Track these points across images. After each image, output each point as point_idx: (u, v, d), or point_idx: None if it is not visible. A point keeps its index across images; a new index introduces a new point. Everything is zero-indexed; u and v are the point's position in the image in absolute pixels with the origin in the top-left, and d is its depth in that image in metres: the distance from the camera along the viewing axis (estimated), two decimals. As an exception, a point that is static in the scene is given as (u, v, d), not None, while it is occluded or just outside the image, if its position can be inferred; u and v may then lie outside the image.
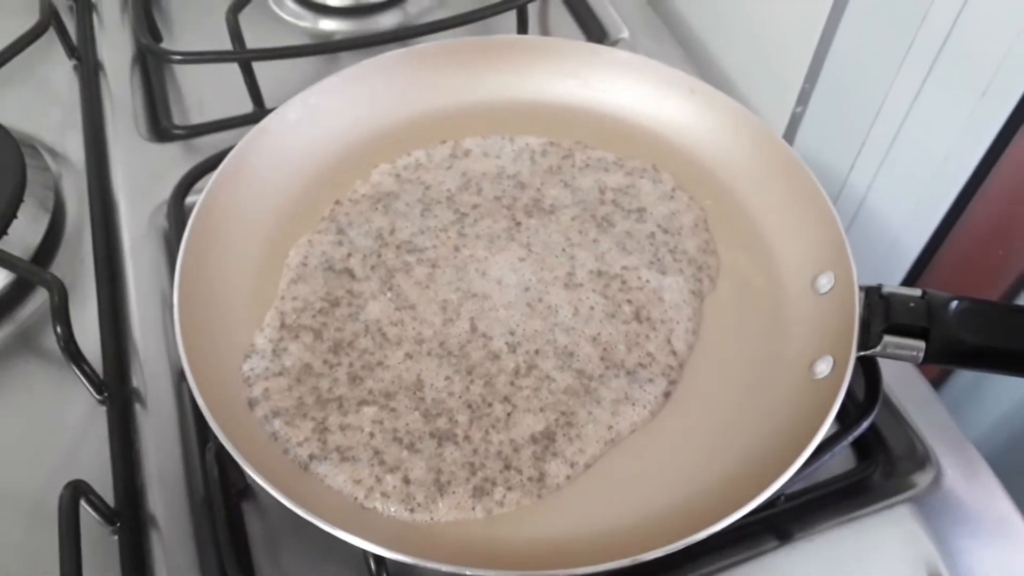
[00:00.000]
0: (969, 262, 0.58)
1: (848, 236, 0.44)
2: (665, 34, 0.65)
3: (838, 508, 0.44)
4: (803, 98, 0.57)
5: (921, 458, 0.45)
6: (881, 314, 0.40)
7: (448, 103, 0.53)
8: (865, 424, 0.42)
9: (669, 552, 0.34)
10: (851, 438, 0.42)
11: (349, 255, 0.46)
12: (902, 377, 0.48)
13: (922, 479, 0.44)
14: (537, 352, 0.42)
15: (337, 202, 0.48)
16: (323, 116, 0.50)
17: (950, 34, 0.47)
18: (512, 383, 0.41)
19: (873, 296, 0.41)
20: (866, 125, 0.54)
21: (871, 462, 0.46)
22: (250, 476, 0.35)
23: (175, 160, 0.57)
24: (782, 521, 0.43)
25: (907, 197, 0.56)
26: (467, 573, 0.33)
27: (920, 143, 0.52)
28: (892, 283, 0.42)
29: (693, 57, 0.65)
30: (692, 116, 0.52)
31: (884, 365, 0.44)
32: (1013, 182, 0.52)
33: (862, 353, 0.40)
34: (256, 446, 0.37)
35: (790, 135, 0.59)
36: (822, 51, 0.53)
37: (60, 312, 0.44)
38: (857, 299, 0.41)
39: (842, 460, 0.46)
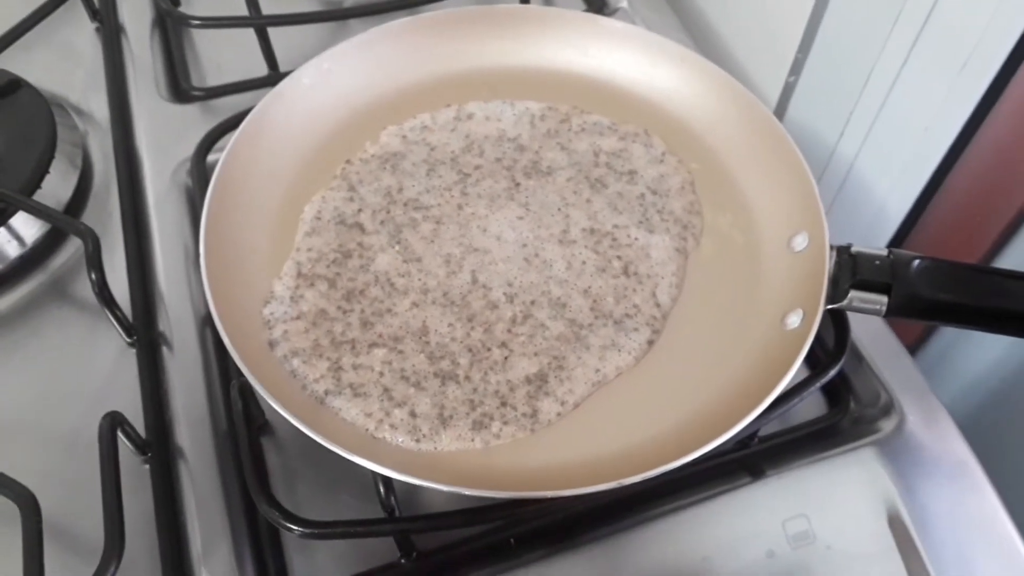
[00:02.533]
0: (950, 227, 0.62)
1: (836, 201, 0.47)
2: (663, 4, 0.68)
3: (808, 449, 0.48)
4: (796, 68, 0.59)
5: (886, 405, 0.49)
6: (849, 271, 0.44)
7: (453, 68, 0.56)
8: (834, 370, 0.46)
9: (647, 477, 0.38)
10: (821, 382, 0.46)
11: (360, 211, 0.49)
12: (873, 332, 0.51)
13: (886, 424, 0.48)
14: (533, 303, 0.46)
15: (348, 161, 0.52)
16: (335, 80, 0.53)
17: (933, 9, 0.50)
18: (509, 330, 0.45)
19: (843, 254, 0.45)
20: (854, 95, 0.57)
21: (840, 409, 0.50)
22: (271, 408, 0.39)
23: (195, 120, 0.61)
24: (755, 460, 0.47)
25: (892, 165, 0.59)
26: (466, 492, 0.37)
27: (904, 114, 0.55)
28: (879, 247, 0.45)
29: (690, 28, 0.67)
30: (682, 84, 0.55)
31: (855, 321, 0.48)
32: (991, 152, 0.55)
33: (830, 306, 0.44)
34: (277, 382, 0.41)
35: (783, 104, 0.62)
36: (814, 23, 0.56)
37: (94, 259, 0.48)
38: (828, 257, 0.45)
39: (813, 406, 0.50)
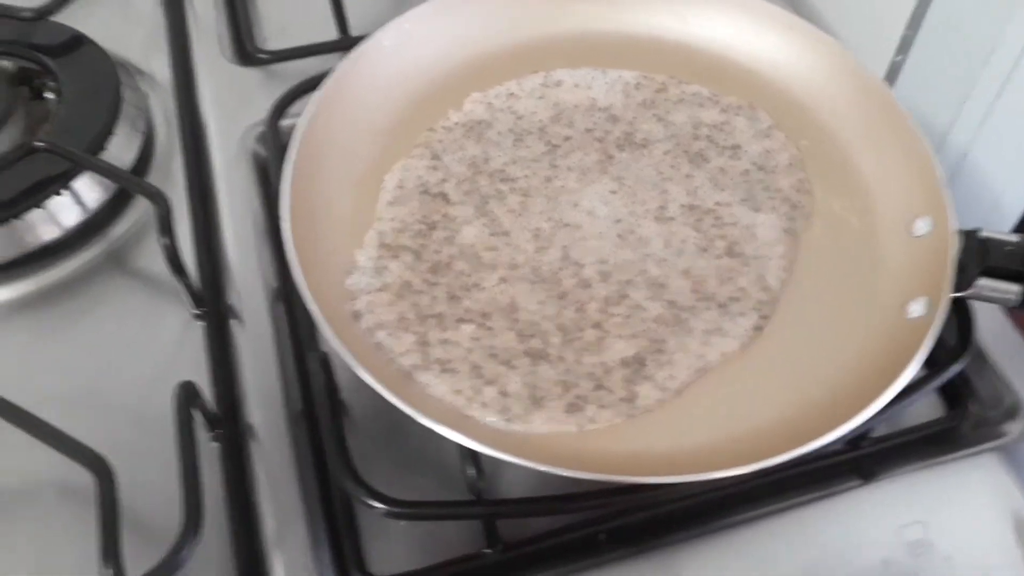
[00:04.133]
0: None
1: (944, 179, 0.48)
2: (763, -29, 0.69)
3: (923, 453, 0.48)
4: (904, 46, 0.59)
5: (1011, 408, 0.49)
6: (977, 257, 0.44)
7: (539, 33, 0.57)
8: (955, 368, 0.46)
9: (753, 470, 0.39)
10: (943, 379, 0.46)
11: (444, 180, 0.51)
12: (994, 328, 0.52)
13: (1012, 428, 0.48)
14: (628, 282, 0.47)
15: (430, 129, 0.54)
16: (416, 43, 0.55)
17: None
18: (603, 310, 0.46)
19: (970, 240, 0.45)
20: (970, 78, 0.56)
21: (960, 410, 0.50)
22: (347, 387, 0.41)
23: (260, 84, 0.63)
24: (866, 462, 0.48)
25: (1011, 156, 0.58)
26: (562, 473, 0.38)
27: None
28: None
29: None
30: (790, 54, 0.56)
31: (977, 317, 0.48)
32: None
33: (957, 294, 0.44)
34: (363, 354, 0.43)
35: (888, 84, 0.62)
36: (926, -3, 0.56)
37: (166, 224, 0.50)
38: (954, 241, 0.45)
39: (930, 408, 0.51)
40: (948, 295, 0.44)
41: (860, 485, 0.47)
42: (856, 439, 0.48)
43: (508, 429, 0.42)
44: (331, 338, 0.41)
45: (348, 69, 0.52)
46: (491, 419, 0.42)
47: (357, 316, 0.45)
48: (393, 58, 0.54)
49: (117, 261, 0.57)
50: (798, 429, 0.42)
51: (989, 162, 0.59)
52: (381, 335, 0.45)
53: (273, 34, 0.68)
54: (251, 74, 0.64)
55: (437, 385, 0.43)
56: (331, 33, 0.65)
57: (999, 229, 0.63)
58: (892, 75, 0.61)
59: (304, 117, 0.50)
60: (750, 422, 0.43)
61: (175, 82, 0.64)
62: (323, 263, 0.47)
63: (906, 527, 0.45)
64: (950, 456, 0.48)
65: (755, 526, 0.46)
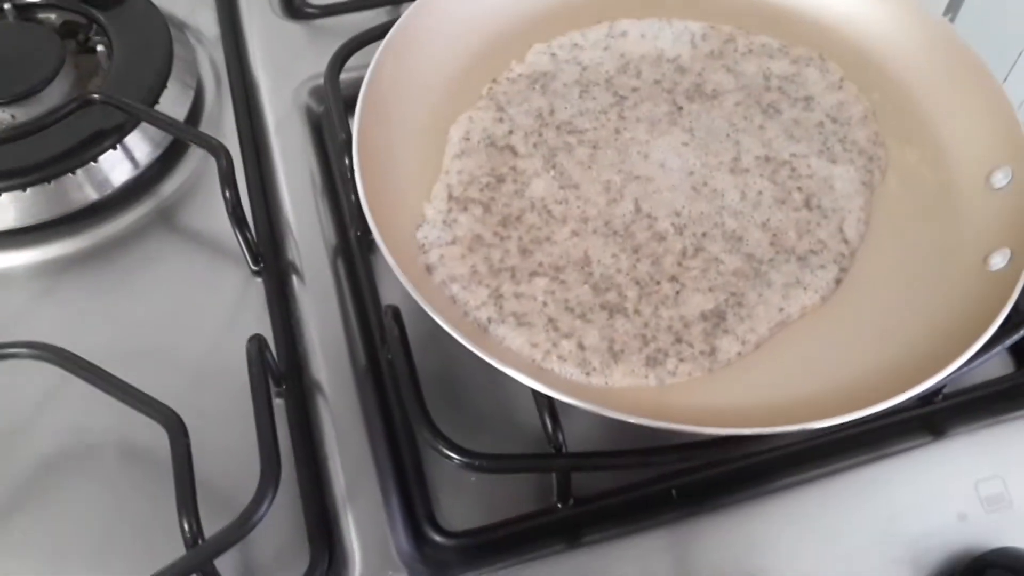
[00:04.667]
0: None
1: (1025, 129, 0.48)
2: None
3: (995, 408, 0.49)
4: (954, 5, 0.59)
5: (1084, 363, 0.50)
6: (1063, 208, 0.45)
7: (604, -18, 0.57)
8: None
9: (835, 424, 0.39)
10: (1016, 338, 0.46)
11: (510, 132, 0.51)
12: None
13: (1083, 388, 0.49)
14: (704, 235, 0.47)
15: (494, 81, 0.54)
16: (480, -7, 0.55)
17: None
18: (679, 263, 0.46)
19: (1054, 190, 0.46)
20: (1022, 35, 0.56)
21: None
22: (428, 332, 0.41)
23: (309, 39, 0.63)
24: (938, 419, 0.48)
25: None
26: (645, 423, 0.38)
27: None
28: None
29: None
30: (859, 4, 0.56)
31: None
32: None
33: (1042, 246, 0.44)
34: (440, 307, 0.43)
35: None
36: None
37: (228, 176, 0.50)
38: (1037, 192, 0.45)
39: (999, 364, 0.51)
40: (1034, 246, 0.44)
41: (931, 441, 0.47)
42: (927, 396, 0.48)
43: (587, 383, 0.43)
44: (411, 288, 0.41)
45: (412, 19, 0.52)
46: (570, 372, 0.43)
47: (430, 269, 0.46)
48: (456, 7, 0.54)
49: (169, 219, 0.57)
50: (877, 385, 0.42)
51: None
52: (455, 288, 0.45)
53: None
54: (299, 28, 0.64)
55: (514, 338, 0.43)
56: None
57: None
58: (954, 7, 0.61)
59: (371, 67, 0.50)
60: (829, 377, 0.44)
61: (223, 37, 0.65)
62: (392, 216, 0.47)
63: (982, 482, 0.46)
64: (1021, 412, 0.48)
65: (825, 483, 0.46)
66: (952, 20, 0.61)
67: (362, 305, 0.52)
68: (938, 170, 0.50)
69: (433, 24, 0.53)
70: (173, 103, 0.59)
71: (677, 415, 0.41)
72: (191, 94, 0.60)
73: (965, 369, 0.43)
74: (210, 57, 0.64)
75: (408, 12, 0.52)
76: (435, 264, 0.46)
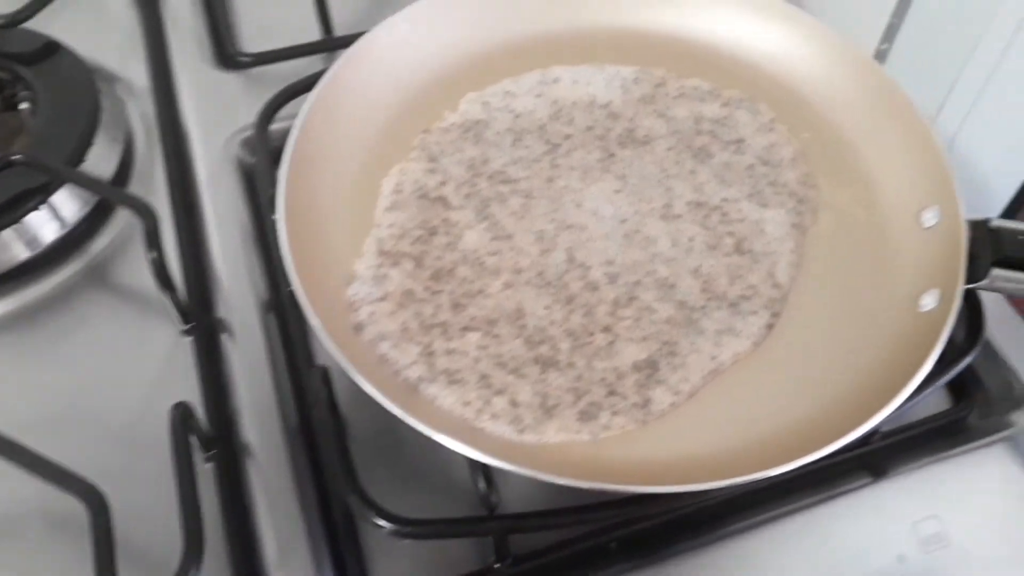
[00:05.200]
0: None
1: (951, 169, 0.48)
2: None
3: (934, 446, 0.48)
4: (889, 34, 0.60)
5: (1020, 397, 0.50)
6: (989, 247, 0.44)
7: (535, 30, 0.57)
8: (966, 361, 0.47)
9: (766, 476, 0.38)
10: (954, 373, 0.46)
11: (443, 183, 0.50)
12: (999, 316, 0.52)
13: (1020, 418, 0.49)
14: (637, 283, 0.47)
15: (426, 131, 0.53)
16: (410, 42, 0.54)
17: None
18: (612, 313, 0.46)
19: (980, 229, 0.45)
20: (957, 65, 0.56)
21: (967, 402, 0.50)
22: (346, 401, 0.40)
23: (244, 88, 0.62)
24: (876, 458, 0.48)
25: (998, 144, 0.59)
26: (579, 485, 0.37)
27: (1015, 86, 0.55)
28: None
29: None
30: (788, 45, 0.56)
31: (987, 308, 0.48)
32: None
33: (970, 286, 0.44)
34: (367, 367, 0.42)
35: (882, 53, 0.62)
36: (912, -17, 0.56)
37: (153, 237, 0.49)
38: (964, 231, 0.45)
39: (936, 400, 0.51)
40: (961, 287, 0.44)
41: (871, 483, 0.47)
42: (865, 436, 0.47)
43: (520, 440, 0.42)
44: (335, 352, 0.40)
45: (342, 70, 0.51)
46: (502, 430, 0.42)
47: (359, 328, 0.44)
48: (387, 58, 0.53)
49: (99, 277, 0.55)
50: (813, 431, 0.42)
51: (977, 149, 0.60)
52: (385, 347, 0.44)
53: (254, 36, 0.67)
54: (232, 78, 0.63)
55: (445, 397, 0.42)
56: (314, 34, 0.64)
57: (987, 216, 0.64)
58: (878, 61, 0.61)
59: (299, 119, 0.49)
60: (764, 425, 0.43)
61: (154, 88, 0.63)
62: (321, 273, 0.46)
63: (920, 522, 0.46)
64: (960, 449, 0.48)
65: (767, 529, 0.46)
66: (888, 50, 0.61)
67: (294, 363, 0.50)
68: (870, 210, 0.50)
69: (364, 75, 0.52)
70: (101, 160, 0.57)
71: (611, 472, 0.41)
72: (119, 149, 0.58)
73: (901, 410, 0.43)
74: (141, 110, 0.62)
75: (338, 63, 0.51)
76: (365, 322, 0.45)
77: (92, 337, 0.52)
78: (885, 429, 0.48)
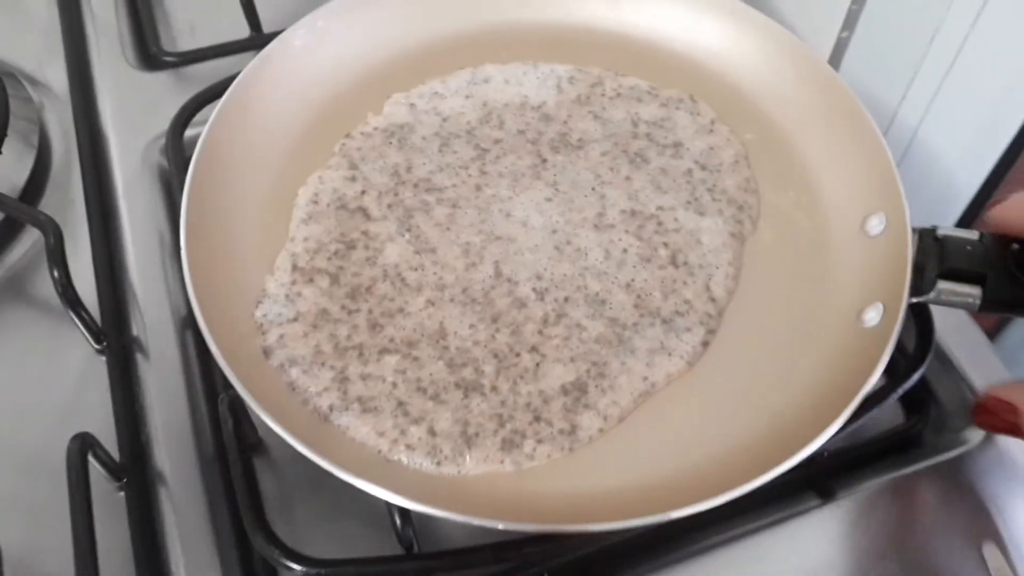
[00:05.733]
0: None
1: (898, 174, 0.45)
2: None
3: (884, 464, 0.46)
4: (850, 21, 0.57)
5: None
6: (935, 258, 0.41)
7: (465, 27, 0.53)
8: (916, 377, 0.43)
9: (704, 509, 0.36)
10: (900, 391, 0.43)
11: (363, 192, 0.47)
12: (955, 326, 0.49)
13: (974, 435, 0.46)
14: (567, 299, 0.44)
15: (348, 136, 0.49)
16: (330, 42, 0.51)
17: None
18: (540, 332, 0.43)
19: (927, 239, 0.42)
20: (919, 52, 0.54)
21: (920, 417, 0.47)
22: (268, 427, 0.37)
23: (167, 90, 0.58)
24: (824, 477, 0.45)
25: (963, 132, 0.56)
26: (499, 527, 0.35)
27: (979, 72, 0.52)
28: (945, 225, 0.43)
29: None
30: (731, 40, 0.53)
31: (936, 313, 0.45)
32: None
33: (915, 300, 0.41)
34: (274, 396, 0.39)
35: (835, 62, 0.59)
36: (872, -33, 0.53)
37: (56, 255, 0.46)
38: (910, 241, 0.42)
39: (888, 414, 0.48)
40: (906, 301, 0.41)
41: (820, 505, 0.44)
42: (810, 456, 0.45)
43: (438, 473, 0.39)
44: (236, 382, 0.37)
45: (254, 73, 0.48)
46: (419, 463, 0.39)
47: (267, 352, 0.41)
48: (304, 59, 0.50)
49: (12, 291, 0.52)
50: (751, 457, 0.39)
51: (940, 140, 0.57)
52: (294, 372, 0.41)
53: (183, 34, 0.64)
54: (157, 79, 0.60)
55: (358, 427, 0.39)
56: (242, 31, 0.60)
57: (951, 210, 0.61)
58: (839, 51, 0.59)
59: (205, 129, 0.45)
60: (699, 450, 0.40)
61: (72, 90, 0.59)
62: (229, 293, 0.43)
63: (873, 547, 0.43)
64: (912, 467, 0.45)
65: (708, 556, 0.43)
66: (848, 38, 0.58)
67: (212, 385, 0.47)
68: (813, 216, 0.47)
69: (279, 77, 0.49)
70: (10, 168, 0.53)
71: (535, 508, 0.38)
72: (32, 155, 0.55)
73: (847, 430, 0.40)
74: (60, 114, 0.58)
75: (249, 66, 0.48)
76: (273, 346, 0.41)
77: (4, 355, 0.49)
78: (833, 447, 0.45)
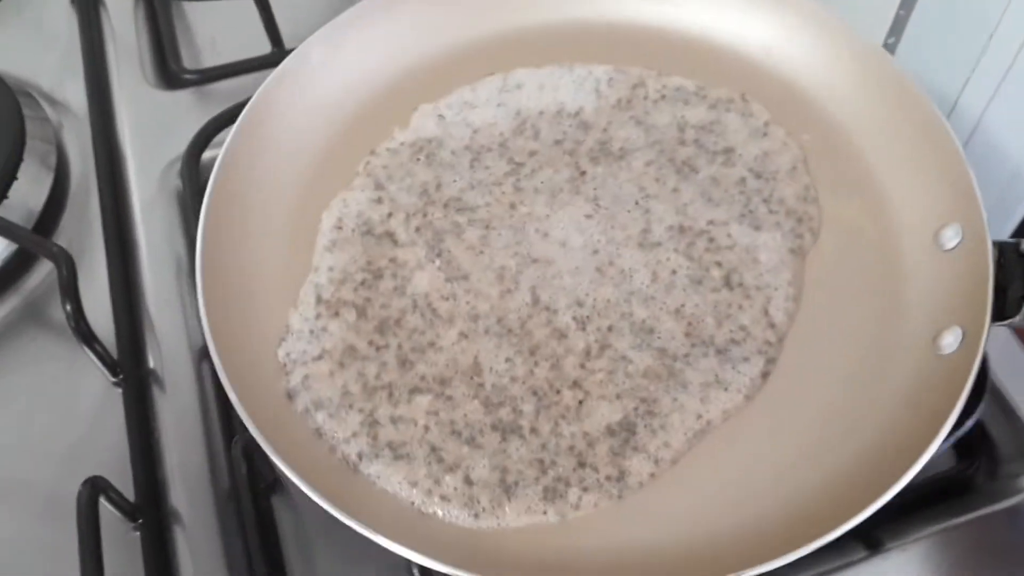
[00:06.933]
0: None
1: (975, 180, 0.40)
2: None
3: (935, 512, 0.41)
4: (907, 4, 0.51)
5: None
6: (1020, 276, 0.37)
7: (494, 29, 0.50)
8: (971, 421, 0.39)
9: (768, 569, 0.32)
10: (956, 437, 0.39)
11: (390, 215, 0.43)
12: (1009, 360, 0.44)
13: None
14: (610, 328, 0.40)
15: (373, 152, 0.46)
16: (350, 53, 0.47)
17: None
18: (583, 365, 0.39)
19: (1009, 254, 0.38)
20: (984, 33, 0.48)
21: (973, 460, 0.43)
22: (294, 481, 0.34)
23: (187, 109, 0.56)
24: (870, 527, 0.40)
25: None
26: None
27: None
28: (1010, 227, 0.38)
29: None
30: (785, 35, 0.48)
31: (989, 348, 0.40)
32: None
33: (999, 323, 0.37)
34: (298, 445, 0.36)
35: (891, 44, 0.54)
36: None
37: (69, 288, 0.44)
38: (991, 257, 0.38)
39: (938, 458, 0.43)
40: (988, 325, 0.36)
41: (867, 557, 0.39)
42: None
43: (476, 527, 0.35)
44: (257, 435, 0.34)
45: (270, 92, 0.45)
46: (456, 515, 0.35)
47: (292, 395, 0.38)
48: (322, 73, 0.47)
49: (30, 319, 0.50)
50: (816, 508, 0.35)
51: (1006, 131, 0.52)
52: (320, 417, 0.37)
53: (204, 51, 0.61)
54: (177, 97, 0.57)
55: (389, 477, 0.36)
56: (264, 47, 0.57)
57: (1018, 210, 0.55)
58: (895, 32, 0.53)
59: (220, 155, 0.42)
60: (759, 497, 0.36)
61: (91, 110, 0.57)
62: (249, 331, 0.40)
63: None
64: (964, 516, 0.41)
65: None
66: (895, 44, 0.53)
67: (229, 420, 0.44)
68: (880, 227, 0.43)
69: (297, 95, 0.46)
70: (27, 194, 0.51)
71: (579, 564, 0.34)
72: (50, 178, 0.52)
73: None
74: (79, 134, 0.56)
75: (264, 86, 0.45)
76: (297, 388, 0.38)
77: (20, 388, 0.47)
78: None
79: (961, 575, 0.39)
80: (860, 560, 0.39)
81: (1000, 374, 0.43)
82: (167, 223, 0.50)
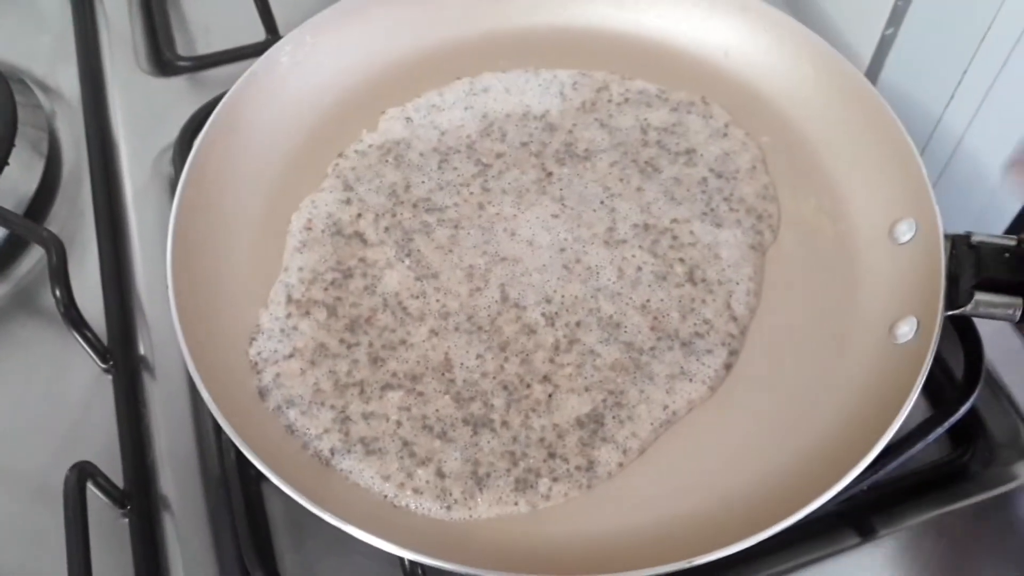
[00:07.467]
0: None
1: (941, 182, 0.41)
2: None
3: (928, 500, 0.42)
4: (895, 18, 0.52)
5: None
6: (971, 267, 0.38)
7: (461, 34, 0.50)
8: (964, 408, 0.40)
9: (732, 552, 0.33)
10: (949, 424, 0.39)
11: (359, 216, 0.44)
12: (1004, 348, 0.45)
13: (1027, 470, 0.42)
14: (578, 324, 0.40)
15: (341, 155, 0.46)
16: (320, 56, 0.48)
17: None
18: (552, 360, 0.39)
19: (961, 246, 0.39)
20: (967, 53, 0.49)
21: (967, 447, 0.43)
22: (268, 476, 0.34)
23: (180, 96, 0.55)
24: (863, 513, 0.41)
25: (1012, 138, 0.52)
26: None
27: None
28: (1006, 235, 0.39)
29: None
30: (745, 38, 0.49)
31: (984, 334, 0.41)
32: None
33: (950, 312, 0.38)
34: (272, 442, 0.36)
35: (878, 62, 0.55)
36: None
37: (59, 274, 0.43)
38: (943, 249, 0.39)
39: (932, 444, 0.44)
40: (941, 314, 0.38)
41: (859, 543, 0.40)
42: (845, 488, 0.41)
43: (448, 518, 0.36)
44: (231, 432, 0.34)
45: (240, 93, 0.45)
46: (428, 508, 0.36)
47: (264, 393, 0.38)
48: (293, 75, 0.47)
49: (21, 305, 0.49)
50: (782, 490, 0.36)
51: (986, 148, 0.53)
52: (292, 414, 0.38)
53: (198, 37, 0.60)
54: (171, 84, 0.56)
55: (362, 471, 0.36)
56: (258, 34, 0.56)
57: (997, 222, 0.57)
58: (882, 51, 0.55)
59: (191, 153, 0.42)
60: (725, 483, 0.37)
61: (83, 97, 0.56)
62: (221, 330, 0.40)
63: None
64: (958, 503, 0.41)
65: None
66: (893, 35, 0.54)
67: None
68: (836, 223, 0.44)
69: (267, 95, 0.46)
70: (18, 179, 0.51)
71: (552, 556, 0.35)
72: (41, 165, 0.52)
73: (884, 468, 0.37)
74: (71, 120, 0.55)
75: (236, 86, 0.45)
76: (269, 386, 0.38)
77: (10, 373, 0.46)
78: (870, 481, 0.41)
79: (954, 562, 0.39)
80: (853, 547, 0.39)
81: (995, 362, 0.43)
82: (159, 210, 0.49)
